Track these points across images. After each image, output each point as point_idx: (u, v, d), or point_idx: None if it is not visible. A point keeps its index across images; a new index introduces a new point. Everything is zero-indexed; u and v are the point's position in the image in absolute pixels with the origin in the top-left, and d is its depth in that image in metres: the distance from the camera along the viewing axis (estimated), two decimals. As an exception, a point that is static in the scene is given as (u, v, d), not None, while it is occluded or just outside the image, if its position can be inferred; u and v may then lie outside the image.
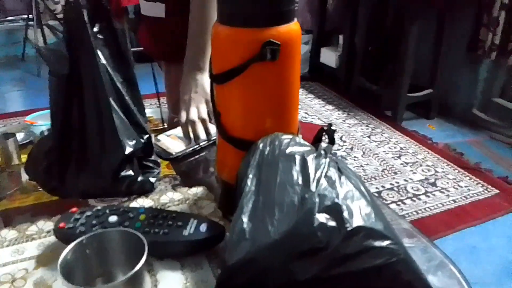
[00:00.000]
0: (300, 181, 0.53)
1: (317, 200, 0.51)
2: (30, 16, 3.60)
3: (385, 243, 0.49)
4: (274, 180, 0.54)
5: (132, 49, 3.65)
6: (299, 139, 0.62)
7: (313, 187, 0.52)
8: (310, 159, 0.56)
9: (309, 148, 0.59)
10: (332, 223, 0.49)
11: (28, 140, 1.34)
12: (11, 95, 3.34)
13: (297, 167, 0.55)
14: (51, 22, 4.02)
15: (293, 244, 0.49)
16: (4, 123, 2.77)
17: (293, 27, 0.63)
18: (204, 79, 0.95)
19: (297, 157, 0.56)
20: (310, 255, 0.48)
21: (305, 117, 2.88)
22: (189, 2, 0.99)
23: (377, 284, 0.49)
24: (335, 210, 0.50)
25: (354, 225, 0.49)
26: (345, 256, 0.48)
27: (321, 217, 0.49)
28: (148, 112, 2.63)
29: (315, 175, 0.53)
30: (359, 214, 0.50)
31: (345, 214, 0.50)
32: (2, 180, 0.90)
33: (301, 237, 0.49)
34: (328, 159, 0.56)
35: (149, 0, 1.17)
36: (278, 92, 0.65)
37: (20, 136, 1.46)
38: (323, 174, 0.54)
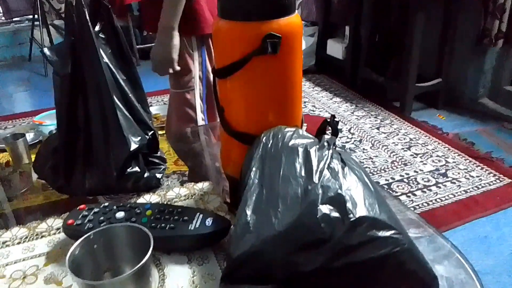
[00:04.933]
0: (303, 173, 0.53)
1: (320, 191, 0.51)
2: (36, 16, 3.62)
3: (389, 233, 0.49)
4: (278, 173, 0.55)
5: (137, 46, 3.68)
6: (302, 131, 0.62)
7: (316, 178, 0.52)
8: (313, 151, 0.56)
9: (312, 140, 0.59)
10: (335, 214, 0.49)
11: (37, 140, 1.35)
12: (18, 96, 3.38)
13: (300, 159, 0.55)
14: (56, 22, 4.05)
15: (297, 236, 0.49)
16: (13, 123, 2.81)
17: (293, 19, 0.63)
18: (174, 38, 1.19)
19: (300, 150, 0.56)
20: (314, 246, 0.48)
21: (313, 110, 2.87)
22: None
23: (381, 274, 0.49)
24: (338, 201, 0.50)
25: (358, 215, 0.49)
26: (349, 246, 0.48)
27: (325, 208, 0.49)
28: (154, 109, 2.62)
29: (318, 167, 0.53)
30: (362, 204, 0.50)
31: (349, 204, 0.50)
32: (13, 180, 0.92)
33: (305, 229, 0.49)
34: (331, 151, 0.56)
35: None
36: (280, 85, 0.65)
37: (29, 136, 1.48)
38: (326, 165, 0.54)
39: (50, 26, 3.77)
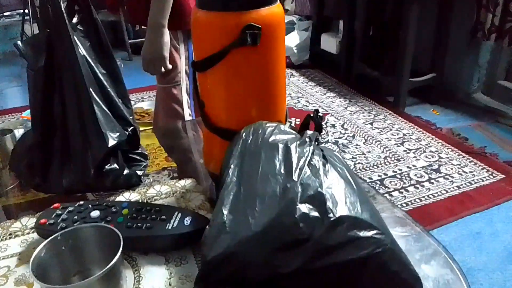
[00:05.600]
0: (282, 171, 0.51)
1: (299, 189, 0.48)
2: (26, 11, 3.57)
3: (371, 233, 0.47)
4: (256, 170, 0.52)
5: (130, 41, 3.64)
6: (284, 127, 0.60)
7: (295, 176, 0.50)
8: (294, 147, 0.53)
9: (293, 136, 0.57)
10: (315, 213, 0.47)
11: (25, 136, 1.32)
12: (8, 91, 3.33)
13: (280, 156, 0.53)
14: (48, 17, 3.98)
15: (275, 236, 0.47)
16: (1, 119, 2.76)
17: (275, 9, 0.60)
18: (164, 36, 1.15)
19: (280, 146, 0.54)
20: (292, 247, 0.46)
21: (306, 105, 2.85)
22: None
23: (363, 275, 0.47)
24: (318, 200, 0.48)
25: (338, 214, 0.47)
26: (329, 247, 0.46)
27: (304, 207, 0.47)
28: (146, 104, 2.58)
29: (298, 164, 0.51)
30: (343, 203, 0.48)
31: (329, 203, 0.47)
32: (2, 177, 0.89)
33: (283, 229, 0.47)
34: (312, 147, 0.54)
35: None
36: (261, 79, 0.62)
37: (18, 132, 1.45)
38: (307, 162, 0.51)
39: (41, 21, 3.72)
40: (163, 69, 1.19)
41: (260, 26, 0.57)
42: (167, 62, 1.18)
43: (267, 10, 0.59)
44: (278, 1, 0.62)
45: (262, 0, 0.58)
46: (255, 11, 0.58)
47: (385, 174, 2.05)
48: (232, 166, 0.55)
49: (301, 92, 3.06)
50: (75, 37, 0.70)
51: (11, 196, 0.80)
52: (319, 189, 0.48)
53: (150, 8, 1.14)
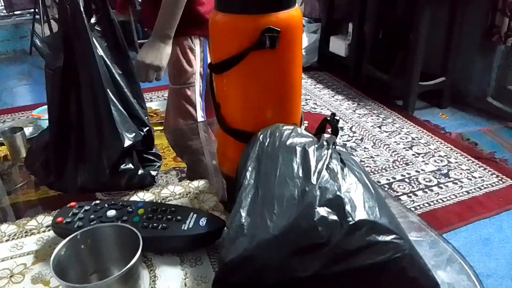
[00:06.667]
0: (300, 174, 0.51)
1: (318, 193, 0.48)
2: (37, 10, 3.61)
3: (390, 237, 0.46)
4: (274, 173, 0.52)
5: (138, 41, 3.65)
6: (300, 130, 0.60)
7: (314, 179, 0.50)
8: (312, 150, 0.54)
9: (310, 139, 0.57)
10: (333, 217, 0.47)
11: (35, 134, 1.34)
12: (18, 89, 3.36)
13: (297, 159, 0.53)
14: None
15: (293, 239, 0.47)
16: (12, 117, 2.79)
17: (293, 13, 0.60)
18: (167, 47, 1.15)
19: (298, 149, 0.54)
20: (310, 251, 0.46)
21: (314, 108, 2.85)
22: None
23: (381, 281, 0.47)
24: (336, 204, 0.48)
25: (357, 219, 0.47)
26: (347, 251, 0.46)
27: (322, 211, 0.47)
28: (155, 104, 2.61)
29: (316, 167, 0.51)
30: (362, 207, 0.48)
31: (348, 207, 0.47)
32: (12, 174, 0.90)
33: (301, 232, 0.47)
34: (330, 150, 0.54)
35: None
36: (278, 81, 0.63)
37: (28, 130, 1.47)
38: (325, 166, 0.51)
39: (51, 20, 3.75)
40: (154, 80, 1.19)
41: (279, 29, 0.57)
42: (162, 73, 1.18)
43: (286, 13, 0.59)
44: (297, 5, 0.62)
45: (282, 3, 0.59)
46: (274, 14, 0.58)
47: (393, 178, 2.04)
48: (249, 169, 0.55)
49: (309, 94, 3.06)
50: (93, 38, 0.70)
51: (21, 194, 0.81)
52: (338, 193, 0.48)
53: (158, 18, 1.13)
